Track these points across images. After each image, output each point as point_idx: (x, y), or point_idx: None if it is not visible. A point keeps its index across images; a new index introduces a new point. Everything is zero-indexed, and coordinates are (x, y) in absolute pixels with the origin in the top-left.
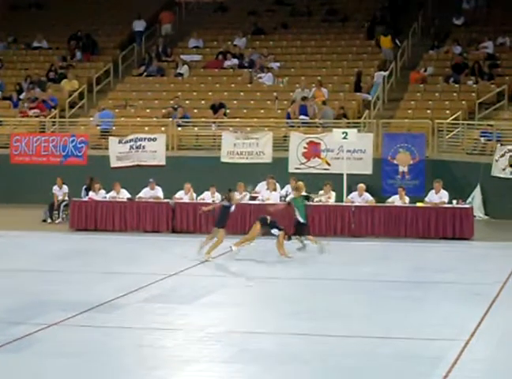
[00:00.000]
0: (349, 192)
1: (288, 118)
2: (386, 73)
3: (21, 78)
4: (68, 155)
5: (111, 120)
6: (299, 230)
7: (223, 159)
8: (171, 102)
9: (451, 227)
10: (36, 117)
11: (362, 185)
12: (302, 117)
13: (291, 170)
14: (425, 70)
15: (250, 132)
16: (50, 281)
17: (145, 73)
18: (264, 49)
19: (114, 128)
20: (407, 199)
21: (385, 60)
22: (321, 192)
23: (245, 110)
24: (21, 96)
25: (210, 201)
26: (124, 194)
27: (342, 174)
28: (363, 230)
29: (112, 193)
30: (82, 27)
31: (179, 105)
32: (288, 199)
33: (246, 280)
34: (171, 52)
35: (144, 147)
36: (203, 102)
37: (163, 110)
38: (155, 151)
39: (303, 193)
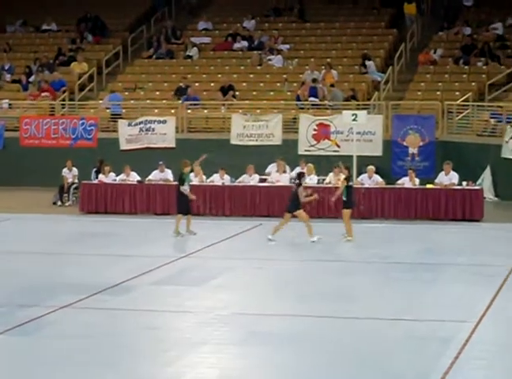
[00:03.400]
0: (359, 174)
1: (298, 100)
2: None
3: (30, 61)
4: (78, 137)
5: (119, 103)
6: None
7: (232, 142)
8: (181, 84)
9: (461, 208)
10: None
11: (371, 167)
12: (311, 99)
13: (300, 152)
14: (434, 52)
15: (260, 114)
16: (60, 264)
17: (155, 56)
18: (273, 31)
19: (123, 111)
20: (417, 181)
21: (396, 42)
22: (330, 174)
23: (254, 93)
24: (31, 79)
25: (220, 184)
26: (134, 177)
27: (352, 156)
28: (372, 212)
29: (122, 176)
30: (91, 9)
31: (188, 85)
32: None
33: (255, 263)
34: (181, 34)
35: (153, 129)
36: (212, 84)
37: (172, 93)
38: (164, 133)
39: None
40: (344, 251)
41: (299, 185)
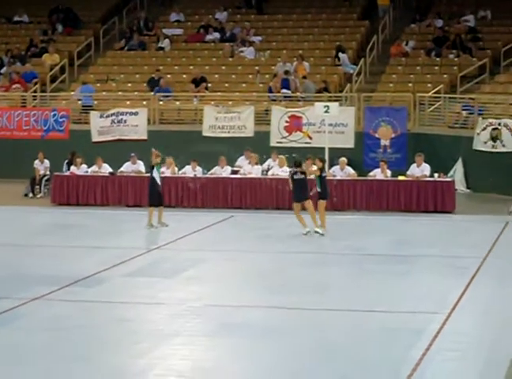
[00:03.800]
0: (331, 166)
1: (270, 91)
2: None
3: (2, 53)
4: (49, 129)
5: (91, 94)
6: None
7: (204, 133)
8: (154, 75)
9: (433, 200)
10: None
11: (343, 159)
12: (283, 91)
13: (272, 144)
14: (406, 44)
15: (232, 106)
16: (32, 256)
17: (127, 47)
18: (245, 23)
19: (95, 102)
20: (389, 172)
21: (368, 33)
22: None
23: (226, 84)
24: (2, 71)
25: (192, 175)
26: (106, 169)
27: (324, 148)
28: (344, 204)
29: (94, 168)
30: (63, 1)
31: (161, 77)
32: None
33: (227, 254)
34: (153, 26)
35: (125, 121)
36: (184, 76)
37: (145, 85)
38: (136, 125)
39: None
40: (317, 243)
41: (303, 173)
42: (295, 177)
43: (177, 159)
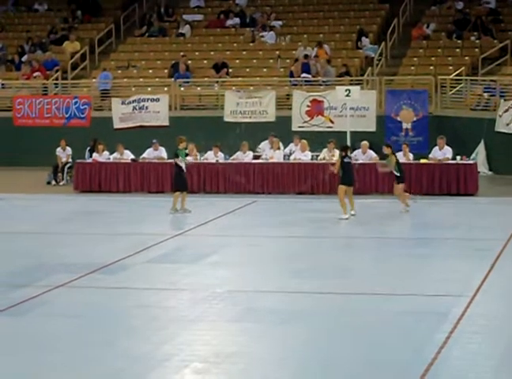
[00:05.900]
0: (353, 149)
1: (291, 76)
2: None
3: (23, 41)
4: (71, 116)
5: (108, 81)
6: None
7: (226, 119)
8: (176, 61)
9: (455, 183)
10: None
11: (365, 143)
12: (304, 75)
13: (294, 128)
14: (427, 26)
15: (253, 91)
16: (55, 243)
17: (147, 34)
18: (266, 7)
19: (112, 88)
20: (411, 156)
21: (388, 17)
22: (324, 150)
23: (247, 69)
24: (23, 59)
25: (213, 161)
26: (128, 155)
27: (345, 132)
28: (367, 188)
29: (116, 154)
30: None
31: (184, 63)
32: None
33: (250, 240)
34: (173, 12)
35: (147, 107)
36: (205, 61)
37: (166, 71)
38: (158, 111)
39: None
40: (340, 227)
41: (350, 157)
42: (346, 160)
43: (200, 144)
